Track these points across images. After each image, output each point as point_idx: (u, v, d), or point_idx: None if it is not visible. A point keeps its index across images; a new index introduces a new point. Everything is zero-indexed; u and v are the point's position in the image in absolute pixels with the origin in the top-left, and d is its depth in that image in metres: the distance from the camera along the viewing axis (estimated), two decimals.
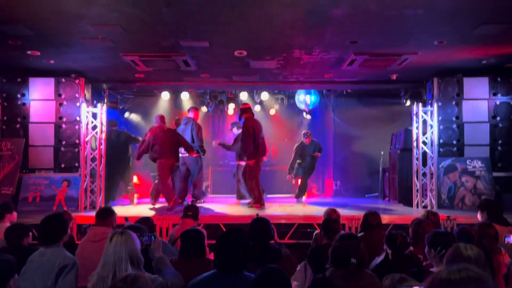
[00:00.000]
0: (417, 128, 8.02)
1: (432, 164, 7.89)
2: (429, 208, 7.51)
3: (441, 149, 7.97)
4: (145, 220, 4.18)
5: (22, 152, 7.62)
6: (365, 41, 6.18)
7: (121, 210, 6.70)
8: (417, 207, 7.83)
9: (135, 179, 10.73)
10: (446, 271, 1.30)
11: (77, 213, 6.86)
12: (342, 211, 5.39)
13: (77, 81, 7.96)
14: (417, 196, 7.93)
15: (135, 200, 9.00)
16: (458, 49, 6.64)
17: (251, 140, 7.35)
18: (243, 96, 10.71)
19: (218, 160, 11.63)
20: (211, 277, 2.47)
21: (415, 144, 8.03)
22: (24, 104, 7.94)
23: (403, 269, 2.78)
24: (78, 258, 3.37)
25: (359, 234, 4.32)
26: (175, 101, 10.88)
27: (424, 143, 8.02)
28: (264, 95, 10.68)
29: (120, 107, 10.76)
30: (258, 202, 7.48)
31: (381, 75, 8.24)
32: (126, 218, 4.96)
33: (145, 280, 2.11)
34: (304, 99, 10.77)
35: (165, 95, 10.43)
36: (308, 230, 6.08)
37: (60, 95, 7.95)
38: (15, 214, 4.96)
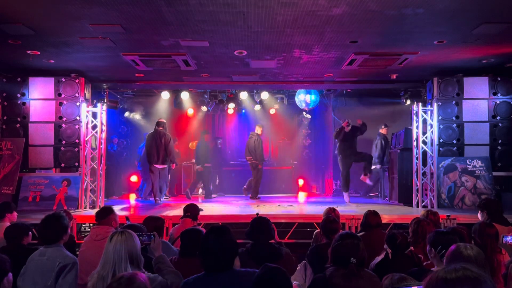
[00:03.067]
0: (417, 127, 8.02)
1: (432, 164, 7.89)
2: (429, 207, 7.50)
3: (441, 149, 7.96)
4: (154, 219, 4.13)
5: (22, 151, 7.61)
6: (365, 40, 6.17)
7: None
8: (417, 206, 7.82)
9: (134, 178, 10.76)
10: (443, 270, 1.29)
11: (77, 213, 6.87)
12: (341, 211, 5.40)
13: (77, 80, 7.95)
14: (417, 195, 7.93)
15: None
16: (458, 49, 6.64)
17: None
18: (243, 95, 10.71)
19: (228, 160, 11.75)
20: (202, 277, 2.48)
21: (415, 143, 8.03)
22: (24, 103, 7.92)
23: (403, 269, 2.78)
24: (81, 257, 3.37)
25: (359, 234, 4.32)
26: (175, 101, 10.88)
27: (424, 142, 8.01)
28: (264, 95, 10.67)
29: (120, 107, 10.76)
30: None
31: (381, 74, 8.24)
32: (127, 218, 4.96)
33: (140, 281, 2.07)
34: (304, 98, 10.77)
35: (165, 95, 10.42)
36: (308, 229, 6.09)
37: (60, 94, 7.93)
38: (15, 213, 4.97)
